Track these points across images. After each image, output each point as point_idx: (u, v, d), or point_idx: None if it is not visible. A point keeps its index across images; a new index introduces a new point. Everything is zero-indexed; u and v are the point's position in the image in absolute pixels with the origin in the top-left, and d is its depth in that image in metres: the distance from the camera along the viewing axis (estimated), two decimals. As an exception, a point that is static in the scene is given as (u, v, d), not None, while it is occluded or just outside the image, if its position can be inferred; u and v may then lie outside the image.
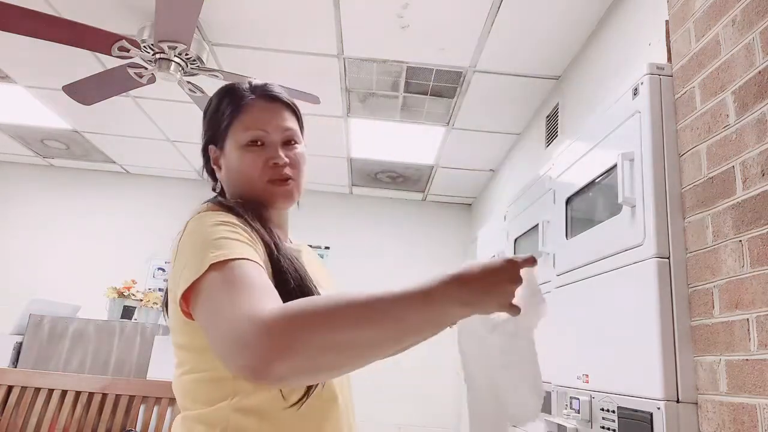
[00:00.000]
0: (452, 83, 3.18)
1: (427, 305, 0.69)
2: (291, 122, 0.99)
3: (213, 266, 0.73)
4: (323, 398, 0.84)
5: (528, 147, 3.59)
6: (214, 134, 0.99)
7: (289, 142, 0.98)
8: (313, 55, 3.00)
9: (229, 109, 0.96)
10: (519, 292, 0.74)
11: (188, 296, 0.75)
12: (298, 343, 0.63)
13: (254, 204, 0.94)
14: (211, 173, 1.03)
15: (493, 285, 0.71)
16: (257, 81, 1.01)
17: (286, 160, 0.95)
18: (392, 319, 0.67)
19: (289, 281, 0.82)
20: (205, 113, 1.03)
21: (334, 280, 1.10)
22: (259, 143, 0.94)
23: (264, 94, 0.98)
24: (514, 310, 0.74)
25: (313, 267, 0.97)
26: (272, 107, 0.98)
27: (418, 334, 0.72)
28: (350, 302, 0.67)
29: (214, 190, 1.05)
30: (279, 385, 0.75)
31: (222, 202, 0.93)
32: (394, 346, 0.71)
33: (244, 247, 0.78)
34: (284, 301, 0.71)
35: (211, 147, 1.01)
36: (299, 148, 0.99)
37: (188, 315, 0.78)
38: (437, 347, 4.84)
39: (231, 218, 0.84)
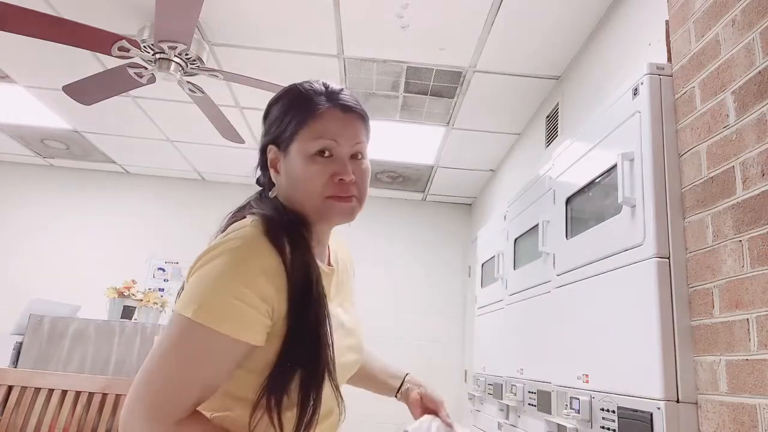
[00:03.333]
0: (452, 83, 3.18)
1: None
2: (362, 135, 0.94)
3: (196, 321, 0.75)
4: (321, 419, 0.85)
5: (528, 147, 3.59)
6: (279, 135, 0.93)
7: (356, 156, 0.92)
8: (313, 55, 3.00)
9: (300, 114, 0.90)
10: None
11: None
12: None
13: (302, 221, 0.90)
14: (267, 174, 0.97)
15: None
16: (333, 85, 0.95)
17: (353, 177, 0.90)
18: None
19: (303, 341, 0.81)
20: (269, 110, 0.97)
21: (356, 295, 1.09)
22: (326, 154, 0.89)
23: (339, 103, 0.92)
24: None
25: (342, 288, 0.98)
26: (346, 118, 0.92)
27: None
28: None
29: (260, 184, 1.00)
30: None
31: (271, 218, 0.87)
32: None
33: (241, 323, 0.77)
34: (293, 352, 0.80)
35: (272, 147, 0.94)
36: (366, 162, 0.94)
37: None
38: (440, 347, 4.84)
39: (266, 268, 0.80)
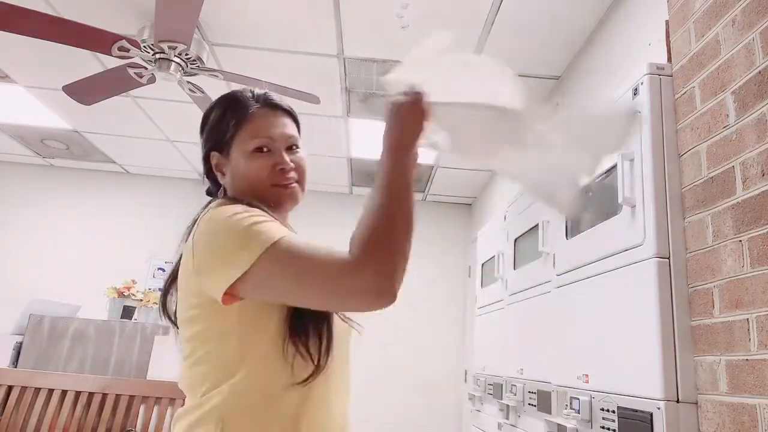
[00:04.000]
0: (452, 83, 3.18)
1: (407, 162, 0.94)
2: (292, 129, 1.06)
3: (265, 254, 0.82)
4: (324, 380, 0.90)
5: (528, 147, 3.59)
6: (218, 142, 1.04)
7: (291, 148, 1.04)
8: (313, 55, 3.00)
9: (235, 118, 1.02)
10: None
11: (236, 288, 0.84)
12: (390, 254, 0.82)
13: (261, 206, 0.98)
14: (213, 179, 1.08)
15: (411, 118, 0.95)
16: (258, 90, 1.07)
17: (292, 165, 1.02)
18: (404, 189, 0.89)
19: None
20: (205, 121, 1.08)
21: None
22: (265, 150, 1.00)
23: (267, 102, 1.05)
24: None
25: None
26: (275, 115, 1.04)
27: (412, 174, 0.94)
28: (380, 207, 0.86)
29: (210, 194, 1.10)
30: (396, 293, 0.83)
31: (234, 197, 0.99)
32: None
33: (275, 225, 0.88)
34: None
35: (214, 154, 1.05)
36: (301, 152, 1.06)
37: (231, 300, 0.86)
38: (440, 347, 4.83)
39: (247, 207, 0.90)
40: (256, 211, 0.90)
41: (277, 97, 1.07)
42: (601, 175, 1.69)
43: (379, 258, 0.80)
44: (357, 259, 0.80)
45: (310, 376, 0.88)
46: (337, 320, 0.95)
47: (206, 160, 1.07)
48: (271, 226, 0.86)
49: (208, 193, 1.11)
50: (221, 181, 1.06)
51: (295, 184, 1.02)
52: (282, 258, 0.83)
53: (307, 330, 0.89)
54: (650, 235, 1.40)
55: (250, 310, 0.87)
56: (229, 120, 1.02)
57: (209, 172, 1.07)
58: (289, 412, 0.87)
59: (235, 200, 0.96)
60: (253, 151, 1.00)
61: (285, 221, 1.05)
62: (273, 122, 1.03)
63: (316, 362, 0.88)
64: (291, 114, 1.08)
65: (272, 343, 0.88)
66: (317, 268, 0.81)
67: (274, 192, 1.00)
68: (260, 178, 0.99)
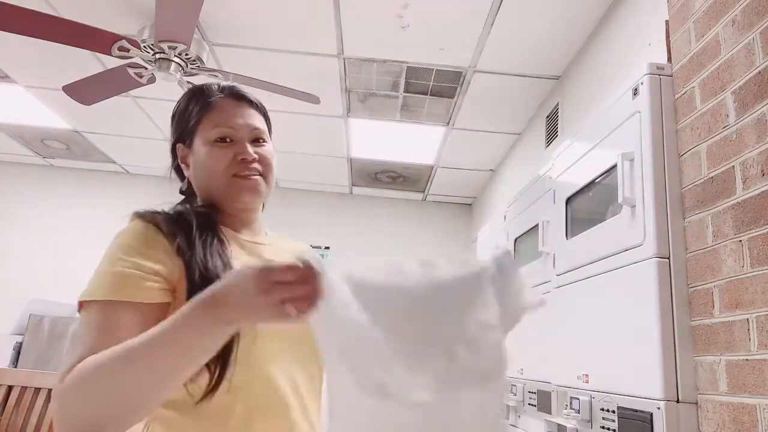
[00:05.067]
0: (452, 83, 3.18)
1: (175, 336, 0.68)
2: (258, 122, 1.01)
3: (85, 303, 0.81)
4: (234, 395, 0.82)
5: (528, 147, 3.59)
6: (183, 132, 1.01)
7: (257, 140, 1.00)
8: (313, 55, 3.00)
9: (198, 107, 0.99)
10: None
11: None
12: (71, 407, 0.71)
13: (211, 206, 0.97)
14: (179, 172, 1.06)
15: (243, 299, 0.66)
16: (225, 82, 1.04)
17: (255, 156, 0.97)
18: (148, 361, 0.69)
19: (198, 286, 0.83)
20: (174, 113, 1.05)
21: None
22: (227, 140, 0.96)
23: (232, 93, 1.01)
24: (286, 317, 0.65)
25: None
26: (240, 105, 1.00)
27: (182, 361, 0.69)
28: (112, 356, 0.70)
29: (181, 190, 1.08)
30: None
31: (145, 216, 0.91)
32: (165, 380, 0.70)
33: (116, 279, 0.82)
34: None
35: (179, 145, 1.03)
36: (267, 146, 1.01)
37: None
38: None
39: (142, 238, 0.86)
40: (139, 253, 0.83)
41: (244, 88, 1.03)
42: (601, 175, 1.69)
43: (67, 410, 0.71)
44: (58, 389, 0.73)
45: (204, 396, 0.80)
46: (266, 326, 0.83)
47: (173, 152, 1.05)
48: (109, 280, 0.81)
49: (181, 192, 1.07)
50: (186, 174, 1.03)
51: (257, 177, 0.97)
52: (83, 319, 0.80)
53: None
54: (650, 235, 1.40)
55: None
56: (192, 109, 0.99)
57: (177, 165, 1.05)
58: None
59: (143, 219, 0.89)
60: (215, 140, 0.96)
61: (249, 216, 1.01)
62: (237, 112, 0.99)
63: (214, 375, 0.80)
64: (258, 107, 1.03)
65: None
66: (68, 353, 0.78)
67: (234, 183, 0.96)
68: (219, 168, 0.95)
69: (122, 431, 0.71)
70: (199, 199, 1.01)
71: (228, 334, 0.70)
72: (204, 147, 0.97)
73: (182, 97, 1.04)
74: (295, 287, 0.63)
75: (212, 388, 0.80)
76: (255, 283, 0.64)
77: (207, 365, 0.78)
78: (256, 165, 0.97)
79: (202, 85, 1.03)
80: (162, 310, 0.81)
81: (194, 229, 0.89)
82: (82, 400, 0.70)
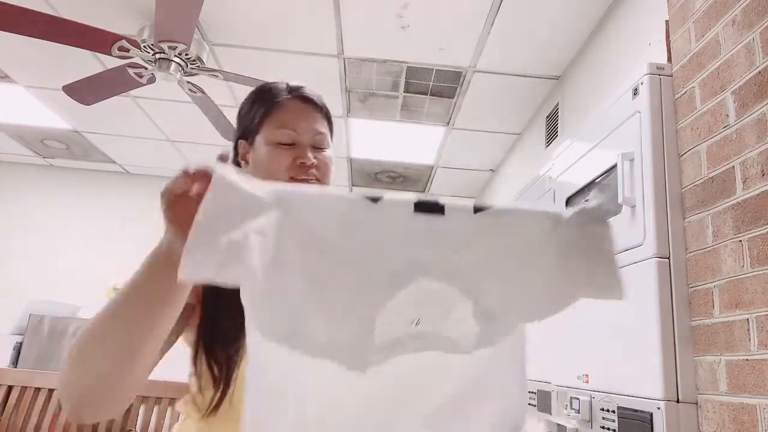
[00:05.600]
0: (452, 83, 3.18)
1: (135, 280, 0.67)
2: (322, 126, 1.00)
3: None
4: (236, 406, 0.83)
5: (528, 147, 3.59)
6: (246, 129, 1.00)
7: (318, 146, 0.98)
8: (313, 55, 3.00)
9: (264, 106, 0.98)
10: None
11: None
12: (64, 377, 0.67)
13: None
14: (237, 168, 1.05)
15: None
16: (294, 82, 1.01)
17: (314, 161, 0.95)
18: (118, 311, 0.67)
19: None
20: (239, 110, 1.04)
21: None
22: (289, 142, 0.95)
23: (299, 95, 0.99)
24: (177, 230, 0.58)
25: None
26: (306, 109, 0.98)
27: (144, 304, 0.66)
28: (92, 318, 0.67)
29: None
30: (95, 418, 0.71)
31: None
32: (134, 327, 0.66)
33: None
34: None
35: (241, 142, 1.01)
36: (328, 152, 1.00)
37: None
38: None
39: None
40: None
41: (312, 91, 1.01)
42: (601, 175, 1.69)
43: (66, 370, 0.67)
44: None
45: (209, 408, 0.81)
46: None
47: (235, 148, 1.03)
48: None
49: None
50: (244, 171, 1.01)
51: (314, 182, 0.96)
52: None
53: (213, 340, 0.84)
54: (650, 235, 1.40)
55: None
56: (258, 108, 0.98)
57: (236, 162, 1.03)
58: None
59: None
60: (277, 142, 0.95)
61: None
62: (302, 115, 0.97)
63: (218, 384, 0.82)
64: (323, 111, 1.01)
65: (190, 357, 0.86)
66: None
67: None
68: (279, 170, 0.93)
69: (109, 401, 0.68)
70: None
71: (167, 265, 0.62)
72: (265, 146, 0.96)
73: (249, 95, 1.03)
74: (189, 197, 0.56)
75: (216, 405, 0.82)
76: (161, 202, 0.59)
77: (213, 383, 0.81)
78: (314, 170, 0.95)
79: (271, 84, 1.01)
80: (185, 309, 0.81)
81: None
82: (70, 367, 0.67)
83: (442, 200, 0.51)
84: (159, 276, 0.63)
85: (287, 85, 1.00)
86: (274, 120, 0.96)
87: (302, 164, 0.94)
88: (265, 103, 0.98)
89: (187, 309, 0.82)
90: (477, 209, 0.52)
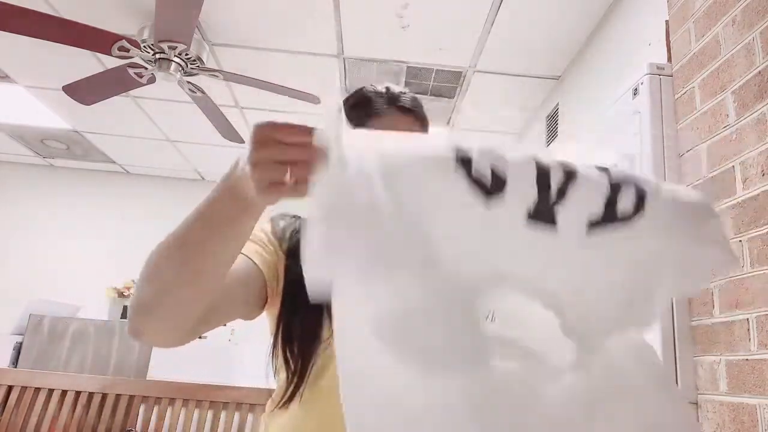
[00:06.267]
0: (452, 83, 3.18)
1: (201, 208, 0.66)
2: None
3: None
4: (315, 401, 0.83)
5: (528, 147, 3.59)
6: None
7: None
8: (313, 55, 3.00)
9: (361, 115, 0.93)
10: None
11: None
12: (137, 283, 0.69)
13: None
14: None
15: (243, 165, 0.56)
16: (394, 88, 0.97)
17: None
18: (182, 235, 0.67)
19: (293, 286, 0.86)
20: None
21: None
22: None
23: (398, 105, 0.94)
24: (266, 191, 0.54)
25: None
26: (404, 120, 0.93)
27: (207, 232, 0.65)
28: (171, 234, 0.68)
29: None
30: (154, 340, 0.73)
31: (273, 219, 0.93)
32: (195, 253, 0.66)
33: (250, 246, 0.84)
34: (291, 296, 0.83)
35: None
36: None
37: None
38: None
39: (265, 226, 0.90)
40: (261, 233, 0.88)
41: (411, 100, 0.95)
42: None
43: (131, 300, 0.70)
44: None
45: (282, 401, 0.83)
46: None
47: None
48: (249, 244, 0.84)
49: None
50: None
51: None
52: None
53: (289, 331, 0.85)
54: (650, 235, 1.40)
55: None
56: (354, 117, 0.92)
57: None
58: None
59: (271, 222, 0.92)
60: None
61: None
62: (400, 128, 0.90)
63: (291, 377, 0.83)
64: (423, 121, 0.95)
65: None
66: None
67: None
68: None
69: (170, 317, 0.68)
70: None
71: (233, 192, 0.61)
72: None
73: (347, 100, 0.98)
74: (288, 148, 0.51)
75: (286, 400, 0.83)
76: (253, 134, 0.54)
77: (287, 377, 0.82)
78: None
79: (368, 89, 0.97)
80: (258, 276, 0.83)
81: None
82: (140, 280, 0.69)
83: (557, 211, 0.48)
84: (225, 198, 0.63)
85: (386, 92, 0.95)
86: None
87: None
88: (361, 113, 0.93)
89: (266, 288, 0.83)
90: (593, 224, 0.49)
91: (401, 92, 0.96)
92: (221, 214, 0.63)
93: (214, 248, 0.65)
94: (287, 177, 0.52)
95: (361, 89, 0.98)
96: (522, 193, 0.47)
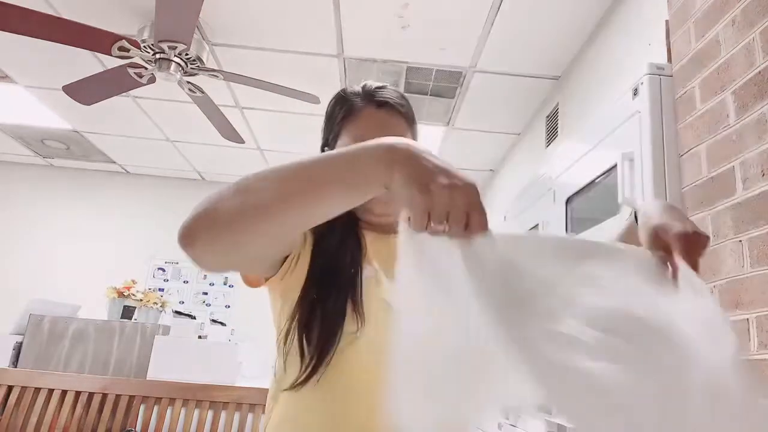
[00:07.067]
0: (452, 83, 3.18)
1: (334, 156, 0.64)
2: (399, 129, 0.94)
3: None
4: (328, 384, 0.81)
5: (528, 147, 3.59)
6: (327, 138, 0.97)
7: None
8: (313, 55, 3.00)
9: (341, 114, 0.94)
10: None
11: None
12: (208, 204, 0.66)
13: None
14: None
15: (443, 177, 0.59)
16: (370, 84, 0.96)
17: None
18: (299, 166, 0.64)
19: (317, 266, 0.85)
20: (324, 115, 1.01)
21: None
22: None
23: (373, 99, 0.93)
24: (420, 227, 0.56)
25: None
26: (380, 115, 0.92)
27: (327, 190, 0.64)
28: (269, 173, 0.65)
29: None
30: (198, 250, 0.68)
31: None
32: (300, 202, 0.64)
33: None
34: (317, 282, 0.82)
35: (326, 149, 0.99)
36: None
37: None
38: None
39: None
40: None
41: (387, 92, 0.94)
42: (601, 175, 1.69)
43: (201, 204, 0.67)
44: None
45: (296, 383, 0.80)
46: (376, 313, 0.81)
47: None
48: None
49: None
50: None
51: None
52: None
53: (311, 316, 0.81)
54: (650, 235, 1.40)
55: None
56: (336, 116, 0.94)
57: None
58: (274, 423, 0.83)
59: None
60: None
61: (385, 226, 0.94)
62: (377, 123, 0.91)
63: (307, 363, 0.80)
64: (402, 112, 0.95)
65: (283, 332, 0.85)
66: None
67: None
68: None
69: (236, 230, 0.66)
70: None
71: (377, 189, 0.62)
72: None
73: (330, 100, 0.99)
74: (456, 197, 0.56)
75: (301, 382, 0.80)
76: (418, 163, 0.58)
77: (301, 361, 0.80)
78: None
79: (347, 89, 0.96)
80: (293, 244, 0.82)
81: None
82: (227, 192, 0.66)
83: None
84: (371, 174, 0.61)
85: (363, 88, 0.94)
86: (350, 129, 0.92)
87: None
88: (341, 112, 0.93)
89: (286, 260, 0.82)
90: None
91: (378, 87, 0.95)
92: (357, 179, 0.62)
93: (331, 197, 0.64)
94: (444, 228, 0.56)
95: (343, 89, 0.98)
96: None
